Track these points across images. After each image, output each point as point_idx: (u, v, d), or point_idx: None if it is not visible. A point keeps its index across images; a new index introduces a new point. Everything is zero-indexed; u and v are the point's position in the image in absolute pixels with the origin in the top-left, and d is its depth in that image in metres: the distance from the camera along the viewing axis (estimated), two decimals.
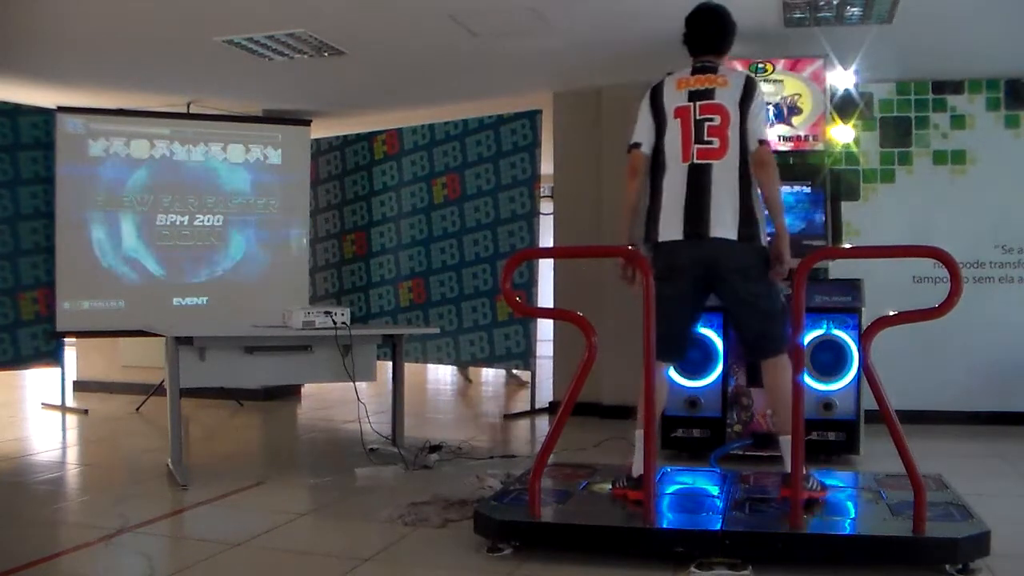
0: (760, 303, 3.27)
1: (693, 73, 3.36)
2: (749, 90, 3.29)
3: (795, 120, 4.88)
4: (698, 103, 3.29)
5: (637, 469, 3.19)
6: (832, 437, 4.35)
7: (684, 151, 3.27)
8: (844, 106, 5.51)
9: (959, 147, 5.68)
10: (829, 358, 4.37)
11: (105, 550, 3.06)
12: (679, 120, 3.30)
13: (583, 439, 4.90)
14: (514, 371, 7.92)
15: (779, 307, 3.33)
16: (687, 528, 2.93)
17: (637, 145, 3.39)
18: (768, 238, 3.32)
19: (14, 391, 7.58)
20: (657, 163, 3.36)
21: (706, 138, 3.25)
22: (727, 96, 3.28)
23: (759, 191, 3.27)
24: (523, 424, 6.01)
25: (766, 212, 3.31)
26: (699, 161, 3.24)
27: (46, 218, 6.14)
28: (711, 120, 3.25)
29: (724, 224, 3.21)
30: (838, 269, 4.68)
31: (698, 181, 3.23)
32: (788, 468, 3.04)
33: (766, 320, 3.27)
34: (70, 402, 6.61)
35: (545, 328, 6.63)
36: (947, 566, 2.69)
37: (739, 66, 4.85)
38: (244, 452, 5.21)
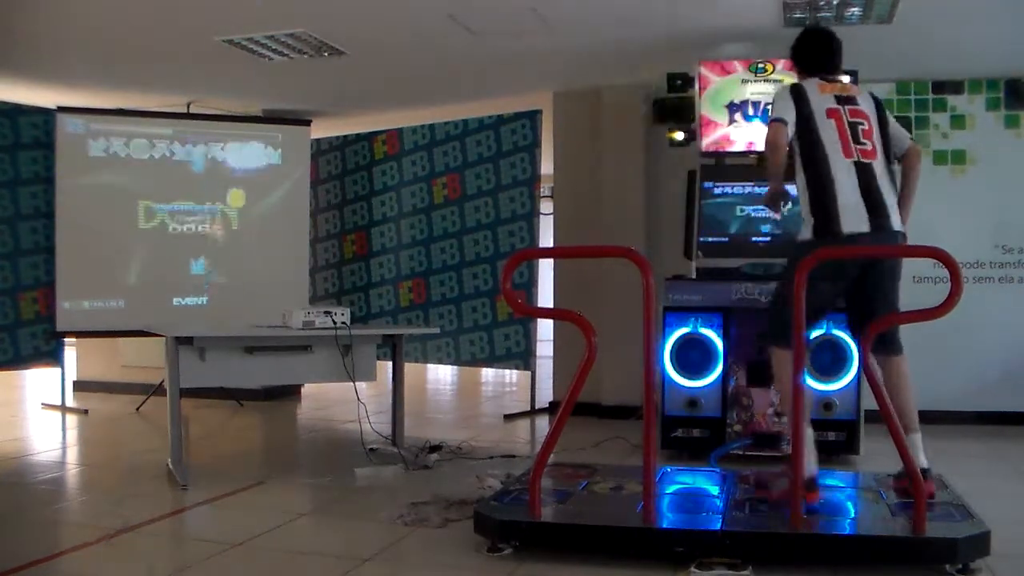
0: (896, 300, 3.43)
1: (827, 82, 3.51)
2: (879, 104, 3.52)
3: None
4: (847, 107, 3.44)
5: (810, 470, 3.17)
6: (832, 437, 4.34)
7: (845, 148, 3.39)
8: None
9: (959, 147, 5.68)
10: (829, 358, 4.37)
11: (105, 550, 3.06)
12: (833, 120, 3.42)
13: (583, 439, 4.90)
14: None
15: None
16: (687, 528, 2.94)
17: (783, 121, 3.43)
18: None
19: (14, 391, 7.58)
20: (815, 156, 3.41)
21: (861, 140, 3.40)
22: (865, 104, 3.47)
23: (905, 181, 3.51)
24: (523, 424, 6.01)
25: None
26: (863, 160, 3.38)
27: (46, 218, 6.14)
28: (861, 124, 3.42)
29: (897, 218, 3.37)
30: None
31: (867, 177, 3.36)
32: (920, 463, 3.13)
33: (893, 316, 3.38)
34: (70, 402, 6.61)
35: (545, 328, 6.63)
36: (947, 566, 2.69)
37: (740, 67, 4.87)
38: (244, 452, 5.21)
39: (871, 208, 3.32)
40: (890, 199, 3.38)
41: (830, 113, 3.42)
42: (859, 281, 3.40)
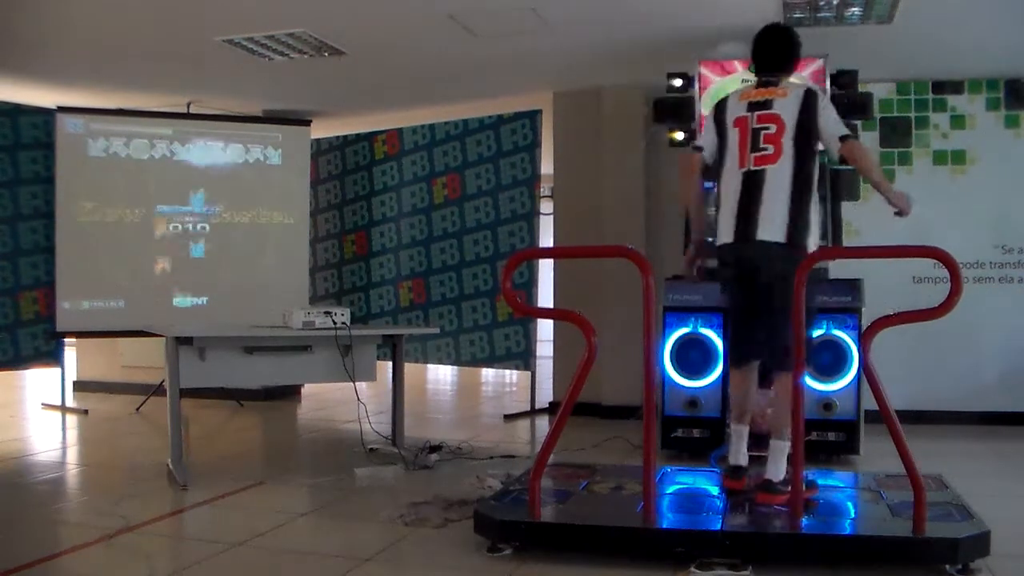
0: (780, 312, 3.20)
1: (757, 87, 3.47)
2: (809, 100, 3.32)
3: None
4: (756, 113, 3.37)
5: (733, 459, 3.38)
6: (832, 437, 4.35)
7: (741, 158, 3.36)
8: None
9: (959, 147, 5.68)
10: (829, 358, 4.37)
11: (105, 550, 3.06)
12: (737, 130, 3.40)
13: (583, 439, 4.90)
14: None
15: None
16: (687, 528, 2.94)
17: (699, 148, 3.54)
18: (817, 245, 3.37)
19: (14, 391, 7.58)
20: (720, 172, 3.46)
21: (761, 145, 3.32)
22: (784, 106, 3.34)
23: (816, 197, 3.33)
24: (523, 424, 6.01)
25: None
26: (755, 167, 3.32)
27: (46, 218, 6.14)
28: (767, 128, 3.33)
29: (772, 227, 3.25)
30: (838, 269, 4.67)
31: (751, 186, 3.31)
32: (769, 473, 3.20)
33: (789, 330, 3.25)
34: (70, 402, 6.61)
35: (545, 328, 6.63)
36: (947, 566, 2.69)
37: (739, 67, 4.86)
38: (244, 452, 5.21)
39: (740, 217, 3.30)
40: (773, 207, 3.23)
41: (736, 123, 3.40)
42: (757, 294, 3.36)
